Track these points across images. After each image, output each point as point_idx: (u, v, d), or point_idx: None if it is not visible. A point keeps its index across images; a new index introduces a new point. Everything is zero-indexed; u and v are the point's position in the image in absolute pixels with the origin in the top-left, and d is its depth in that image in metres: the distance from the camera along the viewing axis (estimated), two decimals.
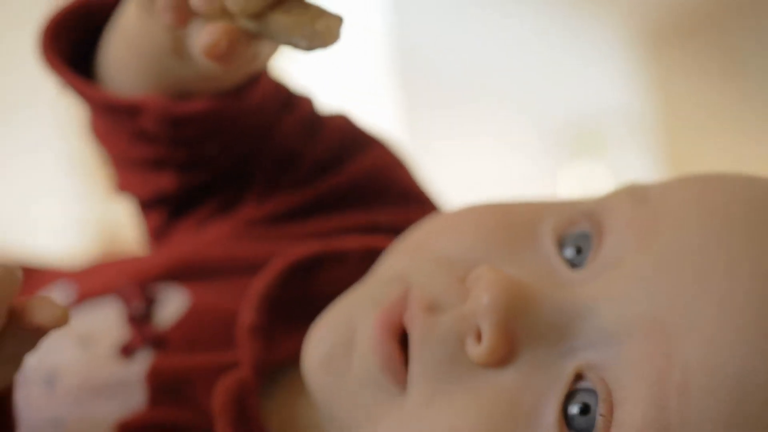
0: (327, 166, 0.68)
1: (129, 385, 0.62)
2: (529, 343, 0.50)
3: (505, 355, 0.50)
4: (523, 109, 2.52)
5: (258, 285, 0.62)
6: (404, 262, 0.57)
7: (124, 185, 0.69)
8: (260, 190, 0.68)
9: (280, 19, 0.52)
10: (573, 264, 0.53)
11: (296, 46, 0.52)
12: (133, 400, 0.62)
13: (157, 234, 0.70)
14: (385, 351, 0.52)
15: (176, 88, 0.63)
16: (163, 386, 0.62)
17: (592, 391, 0.49)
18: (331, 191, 0.68)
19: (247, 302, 0.62)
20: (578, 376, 0.49)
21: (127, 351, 0.63)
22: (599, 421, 0.48)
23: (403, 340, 0.53)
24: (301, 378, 0.59)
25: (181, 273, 0.66)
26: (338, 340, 0.54)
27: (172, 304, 0.65)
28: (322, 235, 0.66)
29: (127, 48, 0.64)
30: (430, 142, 2.46)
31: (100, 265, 0.72)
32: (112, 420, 0.61)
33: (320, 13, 0.52)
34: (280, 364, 0.62)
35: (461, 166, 2.41)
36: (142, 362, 0.62)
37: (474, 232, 0.55)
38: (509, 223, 0.55)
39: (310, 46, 0.52)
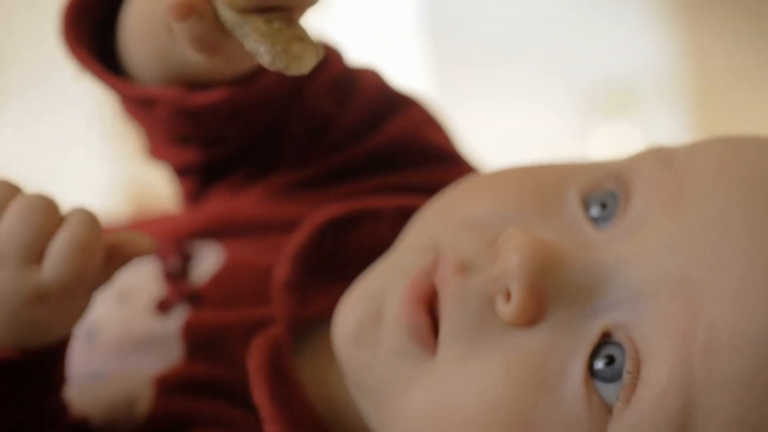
0: (360, 130, 0.68)
1: (166, 340, 0.63)
2: (558, 303, 0.50)
3: (534, 315, 0.50)
4: (555, 69, 2.51)
5: (293, 241, 0.63)
6: (433, 228, 0.57)
7: (155, 153, 0.70)
8: (293, 155, 0.67)
9: (258, 25, 0.50)
10: (598, 223, 0.53)
11: (260, 56, 0.50)
12: (171, 355, 0.63)
13: (192, 198, 0.70)
14: (412, 320, 0.53)
15: (186, 73, 0.62)
16: (198, 341, 0.63)
17: (616, 344, 0.49)
18: (365, 155, 0.68)
19: (281, 258, 0.62)
20: (605, 335, 0.50)
21: (163, 307, 0.64)
22: (626, 378, 0.48)
23: (432, 309, 0.53)
24: None
25: (216, 230, 0.67)
26: (367, 312, 0.55)
27: (208, 261, 0.66)
28: (356, 196, 0.66)
29: (137, 24, 0.63)
30: (461, 102, 2.45)
31: (135, 224, 0.73)
32: (150, 374, 0.62)
33: (301, 37, 0.50)
34: (314, 320, 0.63)
35: (492, 127, 2.40)
36: (178, 318, 0.63)
37: (502, 196, 0.56)
38: (536, 185, 0.56)
39: (272, 64, 0.50)
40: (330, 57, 0.69)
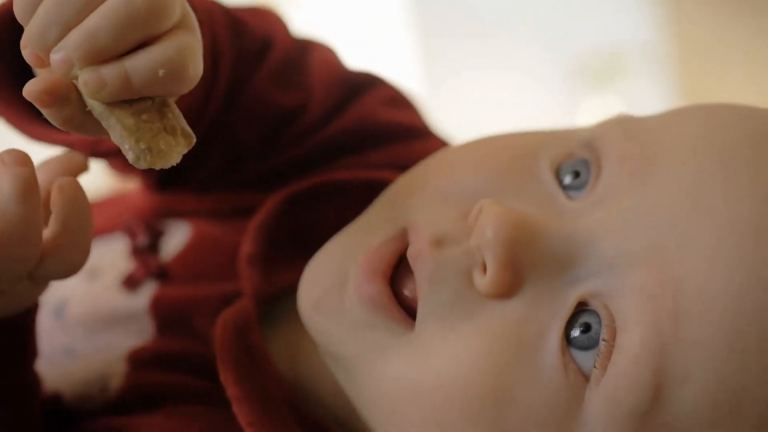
0: (322, 121, 0.67)
1: (136, 316, 0.64)
2: (533, 274, 0.51)
3: (510, 287, 0.51)
4: (542, 41, 2.51)
5: (258, 215, 0.63)
6: (403, 199, 0.57)
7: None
8: (254, 151, 0.66)
9: (123, 119, 0.47)
10: (571, 192, 0.54)
11: (125, 152, 0.47)
12: (142, 330, 0.63)
13: (157, 188, 0.69)
14: (370, 291, 0.53)
15: None
16: (167, 317, 0.63)
17: (592, 313, 0.50)
18: (326, 141, 0.67)
19: (247, 233, 0.62)
20: (581, 304, 0.51)
21: (131, 282, 0.65)
22: (602, 345, 0.49)
23: (393, 278, 0.54)
24: None
25: (184, 210, 0.67)
26: (331, 279, 0.55)
27: (177, 237, 0.66)
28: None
29: None
30: (449, 74, 2.45)
31: (106, 201, 0.73)
32: (122, 350, 0.63)
33: (172, 128, 0.48)
34: (282, 294, 0.63)
35: (480, 99, 2.40)
36: (147, 294, 0.64)
37: (475, 167, 0.56)
38: (509, 155, 0.56)
39: (136, 162, 0.47)
40: (274, 42, 0.67)
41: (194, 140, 0.48)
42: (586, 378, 0.50)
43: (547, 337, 0.50)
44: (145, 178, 0.67)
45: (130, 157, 0.47)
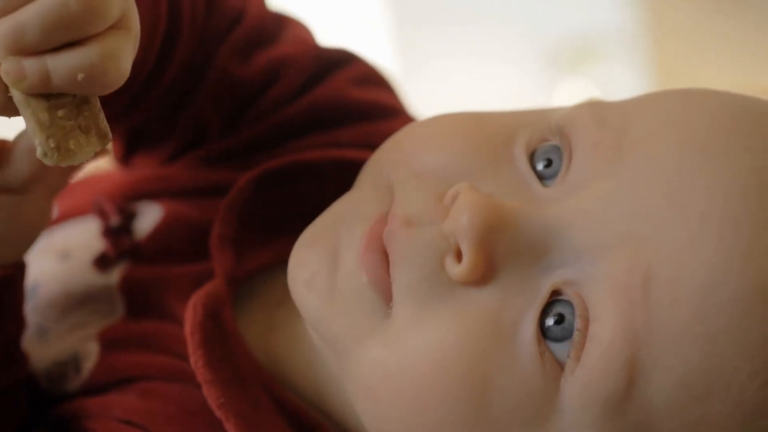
0: (291, 96, 0.67)
1: (107, 295, 0.64)
2: (508, 262, 0.51)
3: (484, 274, 0.51)
4: (517, 26, 2.51)
5: (228, 196, 0.63)
6: (385, 173, 0.57)
7: None
8: (222, 125, 0.66)
9: (38, 113, 0.47)
10: (544, 178, 0.54)
11: (35, 144, 0.47)
12: (114, 310, 0.63)
13: (121, 161, 0.70)
14: (372, 264, 0.53)
15: None
16: (137, 296, 0.63)
17: (566, 302, 0.50)
18: (294, 118, 0.67)
19: (218, 213, 0.62)
20: (555, 293, 0.51)
21: (102, 262, 0.65)
22: (576, 336, 0.50)
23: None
24: (278, 289, 0.60)
25: (154, 191, 0.67)
26: (322, 257, 0.55)
27: (148, 217, 0.66)
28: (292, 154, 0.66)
29: None
30: (424, 60, 2.45)
31: (78, 184, 0.73)
32: (94, 330, 0.63)
33: (86, 127, 0.48)
34: (255, 274, 0.63)
35: (455, 85, 2.40)
36: (118, 273, 0.64)
37: (452, 145, 0.56)
38: (486, 136, 0.56)
39: (42, 157, 0.47)
40: (245, 15, 0.67)
41: (109, 140, 0.49)
42: (562, 367, 0.50)
43: (522, 326, 0.51)
44: (113, 149, 0.68)
45: (38, 152, 0.47)
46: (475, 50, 2.50)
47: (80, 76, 0.46)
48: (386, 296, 0.53)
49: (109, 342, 0.62)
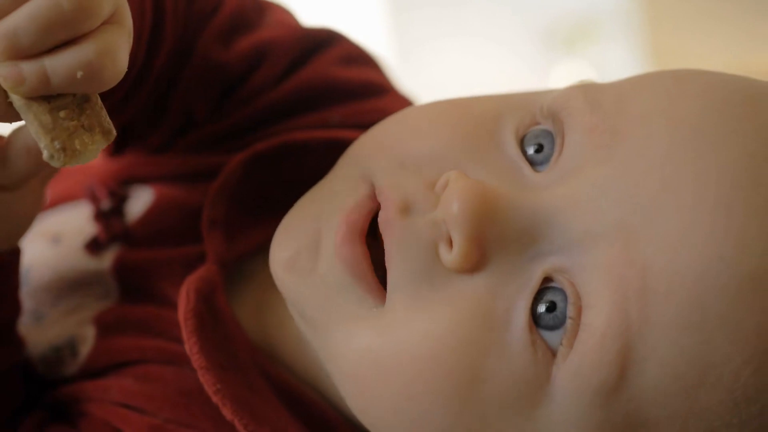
0: (276, 80, 0.67)
1: (101, 279, 0.64)
2: (500, 248, 0.51)
3: (476, 262, 0.51)
4: (513, 7, 2.51)
5: (218, 178, 0.63)
6: (369, 159, 0.57)
7: None
8: (208, 111, 0.66)
9: (41, 115, 0.47)
10: (535, 163, 0.54)
11: (41, 148, 0.47)
12: (108, 293, 0.64)
13: (113, 155, 0.69)
14: (353, 259, 0.53)
15: None
16: (131, 279, 0.63)
17: (557, 290, 0.50)
18: (281, 100, 0.67)
19: (208, 196, 0.62)
20: (546, 279, 0.51)
21: (94, 246, 0.65)
22: (569, 323, 0.50)
23: (368, 242, 0.54)
24: (270, 270, 0.60)
25: (145, 175, 0.67)
26: (303, 241, 0.55)
27: (140, 201, 0.66)
28: (281, 135, 0.65)
29: None
30: (420, 42, 2.45)
31: (70, 169, 0.72)
32: (89, 313, 0.63)
33: (89, 126, 0.47)
34: (248, 255, 0.63)
35: (451, 67, 2.40)
36: (111, 256, 0.64)
37: (441, 132, 0.56)
38: (475, 122, 0.56)
39: (50, 160, 0.47)
40: (221, 3, 0.67)
41: (114, 136, 0.48)
42: (554, 354, 0.50)
43: (514, 313, 0.51)
44: None
45: (44, 154, 0.47)
46: (470, 32, 2.50)
47: (79, 74, 0.45)
48: (372, 290, 0.53)
49: (105, 326, 0.62)
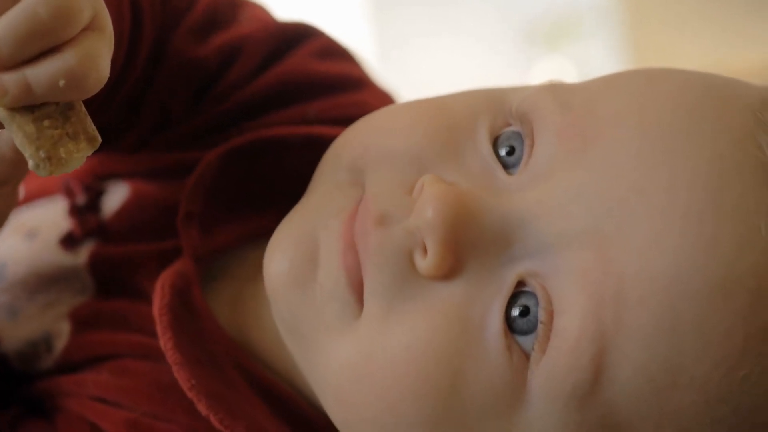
0: (251, 75, 0.67)
1: (77, 274, 0.64)
2: (474, 253, 0.51)
3: (451, 268, 0.51)
4: (495, 5, 2.51)
5: (194, 173, 0.62)
6: (354, 162, 0.57)
7: None
8: (183, 109, 0.66)
9: (24, 126, 0.46)
10: (508, 165, 0.53)
11: (26, 157, 0.47)
12: (84, 289, 0.64)
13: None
14: (354, 265, 0.53)
15: None
16: (107, 274, 0.63)
17: (530, 294, 0.51)
18: (257, 95, 0.66)
19: (184, 191, 0.62)
20: (520, 284, 0.51)
21: (69, 241, 0.65)
22: (540, 329, 0.50)
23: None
24: (247, 265, 0.61)
25: (122, 171, 0.67)
26: (301, 253, 0.55)
27: (115, 196, 0.66)
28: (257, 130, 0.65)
29: None
30: (402, 40, 2.45)
31: None
32: (64, 308, 0.63)
33: (75, 134, 0.47)
34: (224, 250, 0.63)
35: (432, 64, 2.40)
36: (86, 252, 0.64)
37: (416, 134, 0.55)
38: (448, 124, 0.56)
39: (35, 169, 0.47)
40: (195, 1, 0.66)
41: (99, 142, 0.48)
42: (528, 358, 0.50)
43: (489, 318, 0.51)
44: None
45: (30, 164, 0.47)
46: (451, 29, 2.50)
47: (62, 83, 0.45)
48: (359, 296, 0.53)
49: (80, 321, 0.62)
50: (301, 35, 0.69)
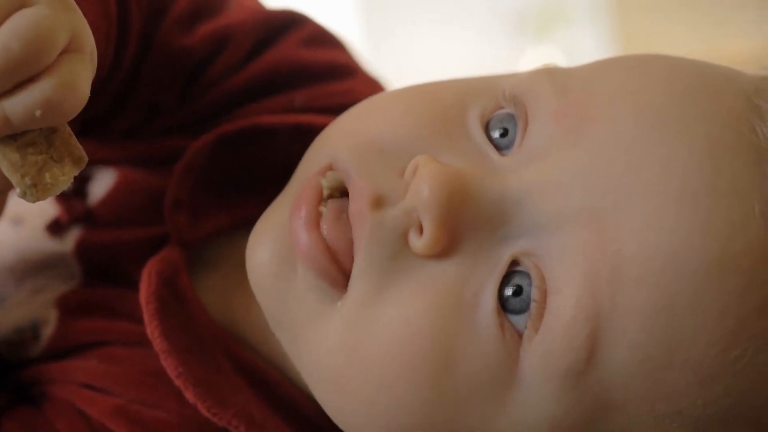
0: (239, 64, 0.67)
1: (64, 260, 0.64)
2: (469, 233, 0.51)
3: (446, 246, 0.51)
4: None
5: (182, 160, 0.62)
6: (338, 150, 0.56)
7: None
8: (171, 100, 0.65)
9: (8, 153, 0.46)
10: (501, 147, 0.54)
11: (14, 185, 0.47)
12: (71, 275, 0.64)
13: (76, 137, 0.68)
14: (316, 257, 0.52)
15: None
16: (94, 261, 0.63)
17: (524, 274, 0.51)
18: (245, 84, 0.66)
19: (172, 177, 0.62)
20: (514, 263, 0.51)
21: (55, 227, 0.64)
22: (533, 307, 0.50)
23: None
24: (235, 252, 0.60)
25: (110, 157, 0.66)
26: (281, 243, 0.55)
27: (102, 182, 0.66)
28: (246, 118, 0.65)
29: None
30: (391, 29, 2.45)
31: None
32: (51, 295, 0.63)
33: (60, 157, 0.47)
34: (212, 237, 0.63)
35: (420, 53, 2.40)
36: (73, 238, 0.64)
37: (407, 121, 0.55)
38: (439, 110, 0.56)
39: (23, 196, 0.47)
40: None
41: (85, 162, 0.48)
42: (521, 337, 0.50)
43: (483, 296, 0.51)
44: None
45: (17, 192, 0.47)
46: (441, 17, 2.50)
47: (38, 113, 0.44)
48: (337, 284, 0.52)
49: (68, 308, 0.62)
50: (289, 23, 0.69)
